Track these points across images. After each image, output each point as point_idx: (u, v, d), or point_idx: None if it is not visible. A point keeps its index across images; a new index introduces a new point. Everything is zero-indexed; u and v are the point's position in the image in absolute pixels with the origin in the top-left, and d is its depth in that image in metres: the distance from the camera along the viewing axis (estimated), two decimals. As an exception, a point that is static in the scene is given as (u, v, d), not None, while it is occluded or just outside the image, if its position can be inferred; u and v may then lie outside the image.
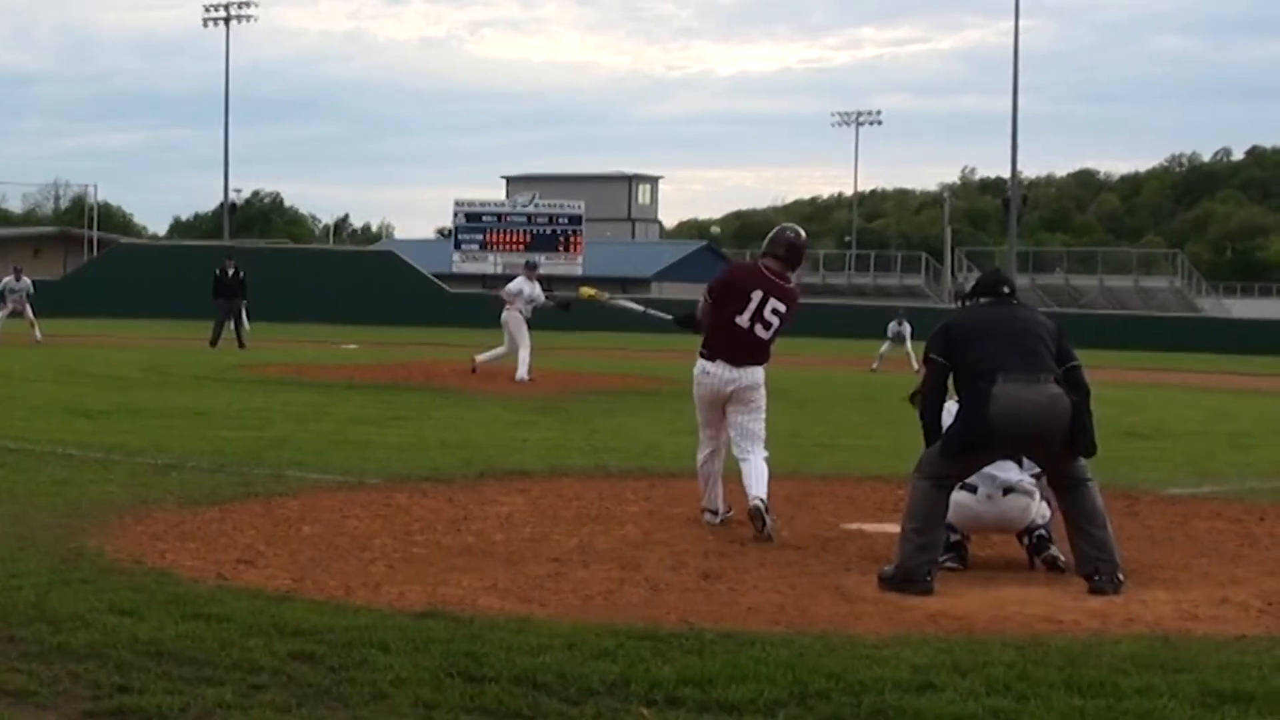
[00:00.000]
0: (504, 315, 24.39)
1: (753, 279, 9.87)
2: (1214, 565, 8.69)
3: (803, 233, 10.18)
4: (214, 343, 34.17)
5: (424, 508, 10.28)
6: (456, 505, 10.42)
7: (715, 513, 9.90)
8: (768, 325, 9.75)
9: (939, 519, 7.96)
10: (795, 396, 22.32)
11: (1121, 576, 7.79)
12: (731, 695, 5.40)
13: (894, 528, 9.58)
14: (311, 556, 8.35)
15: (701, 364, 9.87)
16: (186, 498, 10.36)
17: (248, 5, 78.88)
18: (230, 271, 35.55)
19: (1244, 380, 33.00)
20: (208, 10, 79.78)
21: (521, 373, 23.63)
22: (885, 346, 34.54)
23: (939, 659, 5.97)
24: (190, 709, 5.20)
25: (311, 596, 7.17)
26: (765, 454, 9.74)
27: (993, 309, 8.31)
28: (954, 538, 8.41)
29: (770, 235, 10.12)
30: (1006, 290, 8.41)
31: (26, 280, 36.38)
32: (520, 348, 24.02)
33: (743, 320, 9.73)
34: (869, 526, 9.82)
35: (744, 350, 9.79)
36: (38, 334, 34.42)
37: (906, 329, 34.56)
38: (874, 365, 33.00)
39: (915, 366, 33.28)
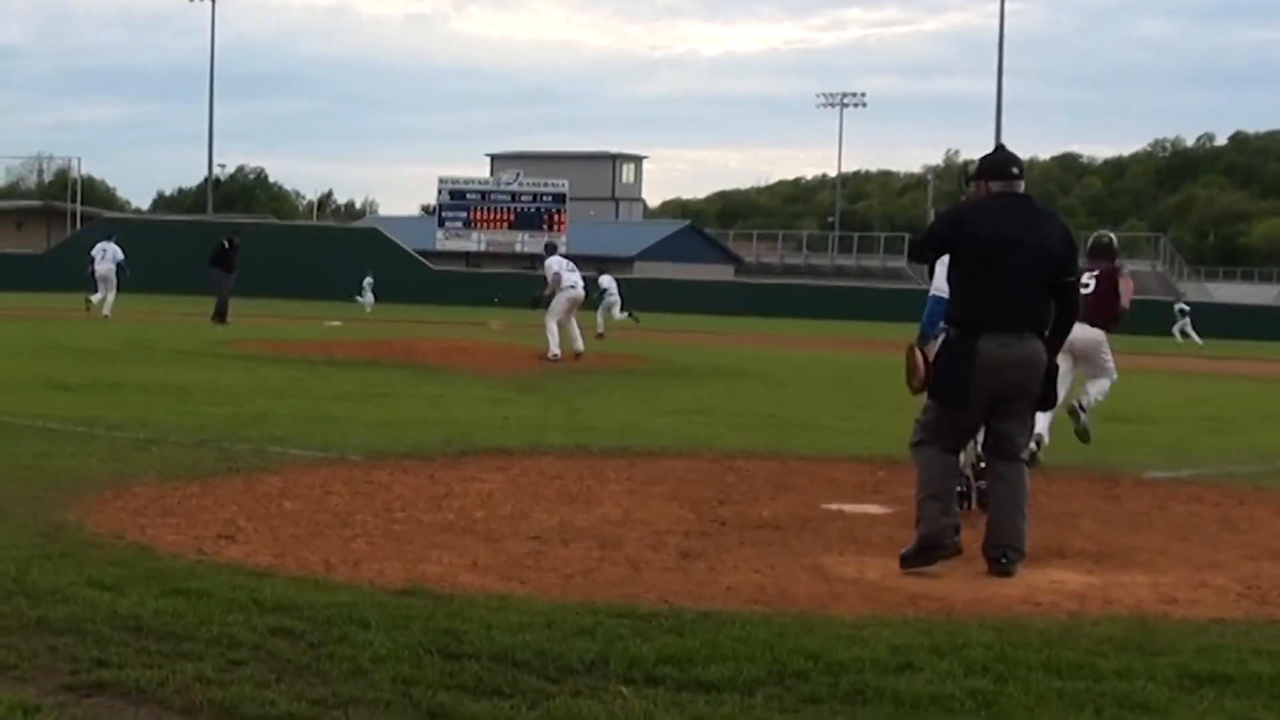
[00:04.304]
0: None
1: None
2: (1193, 549, 8.71)
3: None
4: (220, 316, 33.70)
5: (405, 485, 10.27)
6: (437, 482, 10.41)
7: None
8: None
9: (952, 484, 7.91)
10: (773, 377, 22.35)
11: (1021, 563, 7.80)
12: (710, 674, 5.39)
13: (874, 509, 9.63)
14: (292, 532, 8.34)
15: None
16: (167, 472, 10.33)
17: (232, -21, 78.75)
18: (233, 245, 35.44)
19: (1224, 365, 33.10)
20: (193, -16, 79.55)
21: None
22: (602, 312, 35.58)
23: (918, 640, 5.97)
24: (169, 683, 5.18)
25: (292, 572, 7.15)
26: None
27: (1003, 214, 7.76)
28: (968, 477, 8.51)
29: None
30: (1016, 172, 7.86)
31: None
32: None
33: None
34: (849, 507, 9.82)
35: None
36: (95, 298, 34.98)
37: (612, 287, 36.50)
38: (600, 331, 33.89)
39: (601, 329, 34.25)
